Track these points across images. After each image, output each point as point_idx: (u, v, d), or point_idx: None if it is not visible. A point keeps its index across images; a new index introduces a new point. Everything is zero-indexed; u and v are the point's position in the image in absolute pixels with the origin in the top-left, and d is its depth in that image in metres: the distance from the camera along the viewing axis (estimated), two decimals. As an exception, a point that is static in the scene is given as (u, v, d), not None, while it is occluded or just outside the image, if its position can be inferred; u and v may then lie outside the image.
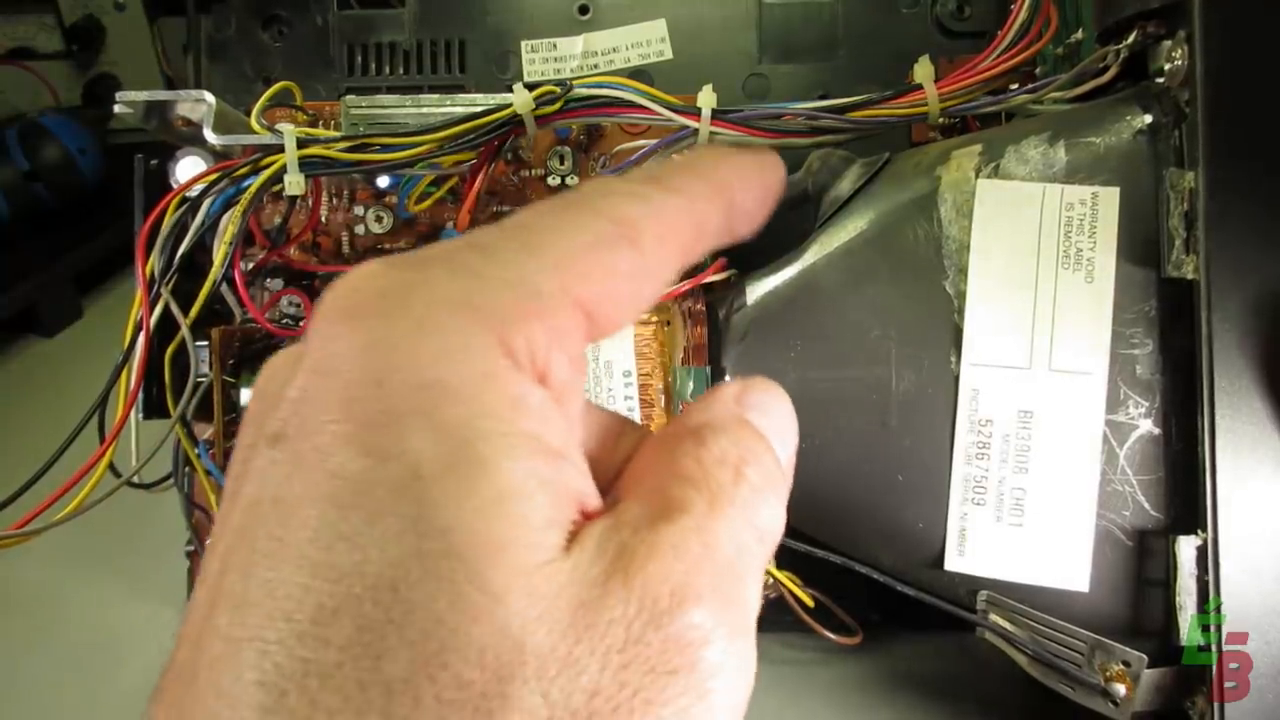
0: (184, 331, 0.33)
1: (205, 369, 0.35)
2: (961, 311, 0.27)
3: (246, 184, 0.33)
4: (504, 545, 0.13)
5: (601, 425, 0.18)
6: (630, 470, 0.16)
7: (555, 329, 0.15)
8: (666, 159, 0.20)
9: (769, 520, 0.16)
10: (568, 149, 0.40)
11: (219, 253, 0.34)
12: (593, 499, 0.15)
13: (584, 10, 0.44)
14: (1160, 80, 0.27)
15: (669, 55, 0.43)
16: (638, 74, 0.43)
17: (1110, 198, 0.26)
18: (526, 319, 0.15)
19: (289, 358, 0.16)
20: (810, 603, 0.36)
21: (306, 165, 0.33)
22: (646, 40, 0.44)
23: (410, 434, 0.13)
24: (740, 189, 0.19)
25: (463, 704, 0.12)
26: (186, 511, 0.38)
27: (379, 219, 0.40)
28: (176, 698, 0.13)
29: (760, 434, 0.17)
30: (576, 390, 0.16)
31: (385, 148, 0.33)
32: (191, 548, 0.41)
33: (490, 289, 0.15)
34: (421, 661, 0.12)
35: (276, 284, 0.39)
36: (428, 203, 0.38)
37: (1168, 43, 0.27)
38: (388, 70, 0.45)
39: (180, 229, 0.33)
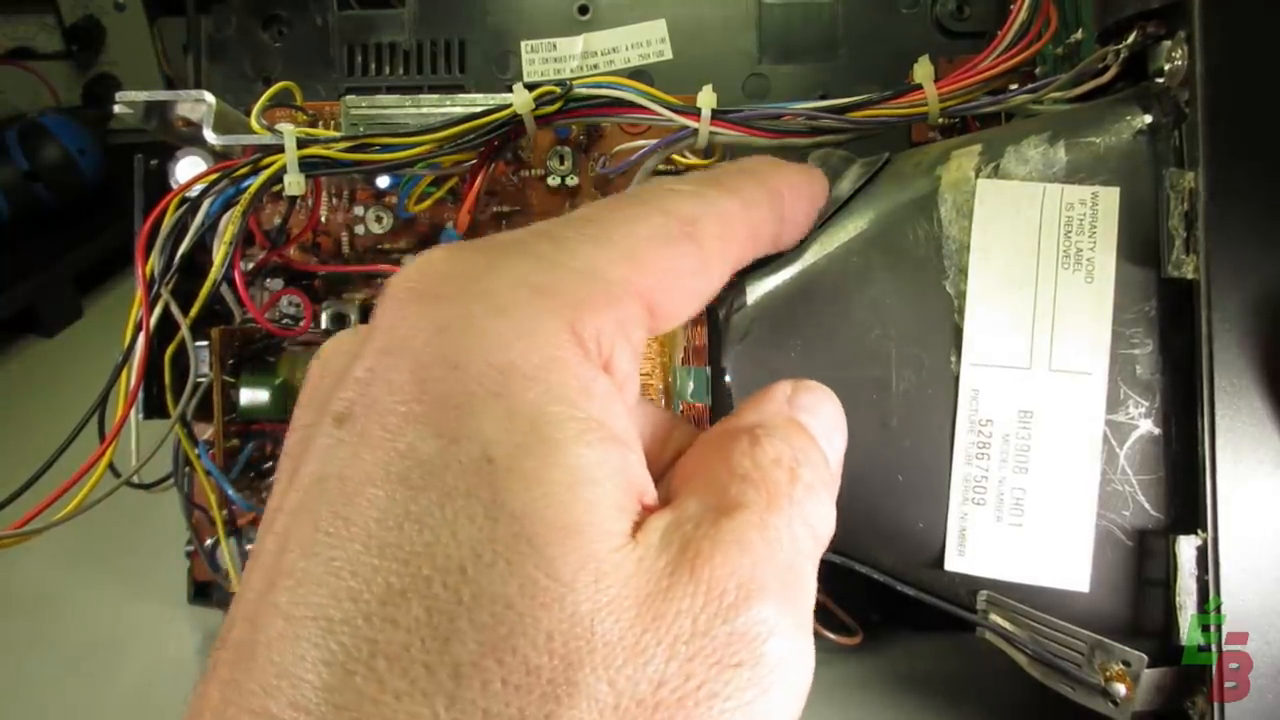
0: (184, 331, 0.33)
1: (205, 369, 0.35)
2: (961, 311, 0.27)
3: (246, 184, 0.33)
4: (575, 531, 0.13)
5: (653, 420, 0.18)
6: (683, 466, 0.16)
7: (621, 319, 0.15)
8: (726, 163, 0.20)
9: (823, 519, 0.16)
10: (568, 149, 0.40)
11: (219, 253, 0.34)
12: (651, 491, 0.15)
13: (584, 10, 0.44)
14: (1160, 80, 0.27)
15: (669, 55, 0.44)
16: (638, 74, 0.43)
17: (1110, 198, 0.26)
18: (596, 307, 0.15)
19: (350, 338, 0.16)
20: (810, 603, 0.36)
21: (306, 165, 0.33)
22: (646, 40, 0.44)
23: (484, 416, 0.13)
24: (791, 199, 0.19)
25: (530, 689, 0.12)
26: (186, 511, 0.38)
27: (379, 219, 0.40)
28: (232, 675, 0.13)
29: (812, 435, 0.17)
30: (635, 382, 0.16)
31: (385, 148, 0.33)
32: (191, 548, 0.41)
33: (561, 276, 0.15)
34: (490, 646, 0.12)
35: (276, 284, 0.39)
36: (428, 203, 0.38)
37: (1167, 43, 0.27)
38: (388, 70, 0.45)
39: (180, 229, 0.33)
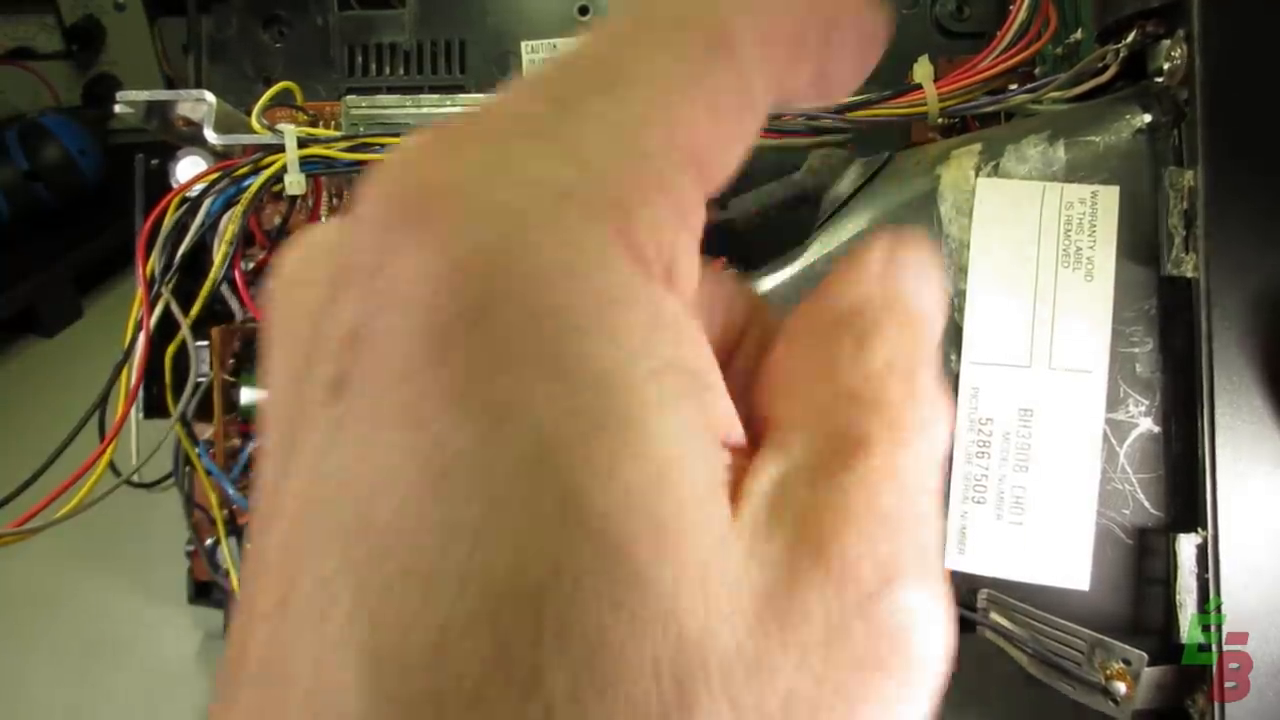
0: (184, 331, 0.33)
1: (205, 369, 0.35)
2: (962, 310, 0.27)
3: (247, 184, 0.33)
4: (668, 531, 0.10)
5: (719, 303, 0.14)
6: (771, 377, 0.13)
7: (677, 205, 0.11)
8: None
9: (944, 439, 0.13)
10: (568, 149, 0.40)
11: (219, 253, 0.34)
12: (736, 427, 0.12)
13: (584, 11, 0.44)
14: (1159, 79, 0.27)
15: (669, 56, 0.43)
16: (638, 74, 0.43)
17: (1110, 196, 0.26)
18: (647, 199, 0.11)
19: (323, 258, 0.12)
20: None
21: (307, 165, 0.33)
22: (646, 40, 0.44)
23: (532, 386, 0.10)
24: (845, 29, 0.13)
25: None
26: (186, 511, 0.38)
27: (379, 219, 0.40)
28: (258, 714, 0.10)
29: (922, 318, 0.13)
30: (697, 274, 0.12)
31: (385, 148, 0.33)
32: (191, 547, 0.41)
33: (590, 164, 0.11)
34: (587, 681, 0.10)
35: (277, 284, 0.39)
36: (428, 202, 0.38)
37: (1166, 42, 0.27)
38: (388, 71, 0.45)
39: (180, 229, 0.33)
